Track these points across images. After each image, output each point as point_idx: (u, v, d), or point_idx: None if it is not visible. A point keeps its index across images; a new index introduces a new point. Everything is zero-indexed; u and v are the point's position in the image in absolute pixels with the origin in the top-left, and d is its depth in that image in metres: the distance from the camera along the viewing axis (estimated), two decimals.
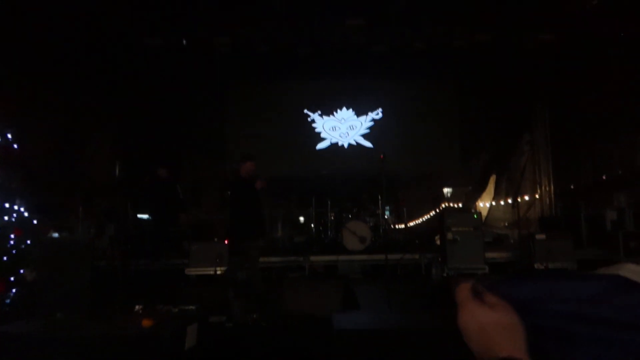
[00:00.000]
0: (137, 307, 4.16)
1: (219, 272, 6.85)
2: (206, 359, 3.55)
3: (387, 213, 9.12)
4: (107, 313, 4.06)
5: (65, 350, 2.68)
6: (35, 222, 4.68)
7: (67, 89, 7.18)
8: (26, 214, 4.50)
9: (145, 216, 8.38)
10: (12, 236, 4.41)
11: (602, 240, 7.39)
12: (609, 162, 8.58)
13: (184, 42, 8.81)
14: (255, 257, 6.04)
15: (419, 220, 10.79)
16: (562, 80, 9.71)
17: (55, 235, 5.81)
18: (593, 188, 8.85)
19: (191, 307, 4.17)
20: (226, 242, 7.18)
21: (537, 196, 10.63)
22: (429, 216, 10.75)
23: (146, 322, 3.21)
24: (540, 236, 6.99)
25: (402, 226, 9.56)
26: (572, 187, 9.69)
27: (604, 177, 8.64)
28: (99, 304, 4.59)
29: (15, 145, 4.56)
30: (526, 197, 10.62)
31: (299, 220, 10.00)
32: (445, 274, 6.60)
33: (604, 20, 7.58)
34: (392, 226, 9.39)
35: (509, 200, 10.41)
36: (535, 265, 6.66)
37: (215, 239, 7.38)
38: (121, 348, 2.77)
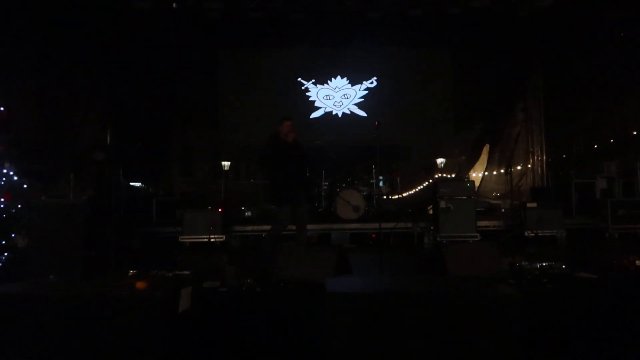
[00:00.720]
0: (130, 271, 4.17)
1: (212, 240, 6.88)
2: (200, 321, 3.58)
3: (380, 183, 9.12)
4: (100, 277, 4.07)
5: (56, 310, 2.69)
6: (25, 186, 4.62)
7: (56, 54, 7.00)
8: (15, 178, 4.43)
9: (137, 184, 8.31)
10: (2, 200, 4.36)
11: (592, 209, 7.47)
12: (600, 132, 8.60)
13: (174, 5, 8.57)
14: (281, 221, 5.93)
15: (413, 191, 10.83)
16: (556, 49, 9.61)
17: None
18: (584, 157, 8.90)
19: (185, 272, 4.18)
20: (220, 210, 7.17)
21: (529, 166, 10.67)
22: (422, 186, 10.79)
23: (140, 285, 3.21)
24: (532, 204, 7.07)
25: (396, 196, 9.59)
26: (564, 156, 9.73)
27: (595, 147, 8.67)
28: (91, 270, 4.59)
29: (2, 108, 4.45)
30: (519, 167, 10.67)
31: None
32: (437, 240, 6.66)
33: None
34: (385, 196, 9.41)
35: (502, 171, 10.45)
36: (526, 233, 6.75)
37: (209, 207, 7.38)
38: (114, 308, 2.77)
